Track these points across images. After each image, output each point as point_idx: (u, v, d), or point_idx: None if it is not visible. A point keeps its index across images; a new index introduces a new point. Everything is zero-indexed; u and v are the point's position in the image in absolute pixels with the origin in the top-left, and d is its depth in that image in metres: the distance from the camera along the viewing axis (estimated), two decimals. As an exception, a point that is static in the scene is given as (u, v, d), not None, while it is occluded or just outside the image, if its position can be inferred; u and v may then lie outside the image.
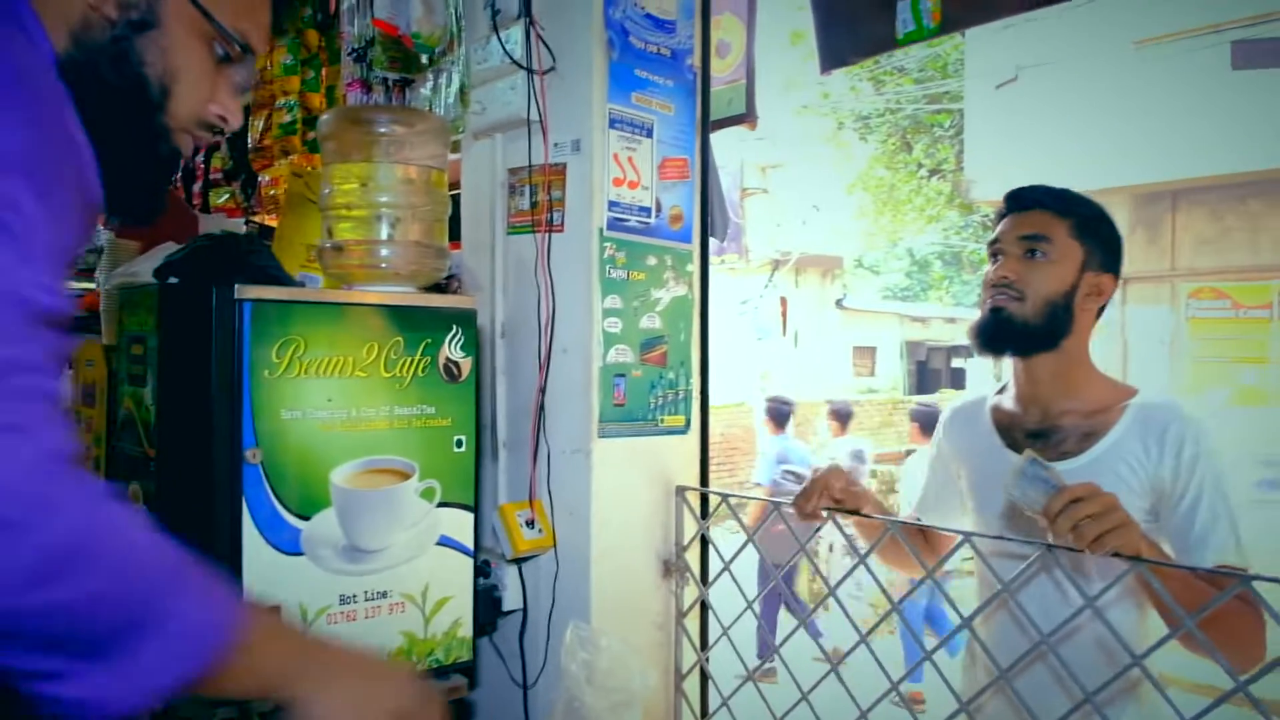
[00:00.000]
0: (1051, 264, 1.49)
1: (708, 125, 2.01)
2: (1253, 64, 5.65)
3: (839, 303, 18.40)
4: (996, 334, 1.51)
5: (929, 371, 21.61)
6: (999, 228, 1.58)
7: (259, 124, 2.74)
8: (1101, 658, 1.38)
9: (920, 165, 12.75)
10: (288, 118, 2.63)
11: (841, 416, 6.37)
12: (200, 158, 3.16)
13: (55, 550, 0.65)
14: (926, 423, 5.85)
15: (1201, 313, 7.27)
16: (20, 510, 0.64)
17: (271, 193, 2.82)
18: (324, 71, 2.67)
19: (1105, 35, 6.80)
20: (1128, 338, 7.31)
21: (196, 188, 3.13)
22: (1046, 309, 1.48)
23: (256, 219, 2.90)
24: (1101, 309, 1.56)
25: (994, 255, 1.57)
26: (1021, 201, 1.56)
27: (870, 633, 1.55)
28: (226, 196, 3.09)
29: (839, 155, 14.27)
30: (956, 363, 21.62)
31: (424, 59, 2.01)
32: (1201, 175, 6.86)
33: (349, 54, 2.33)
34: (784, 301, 8.50)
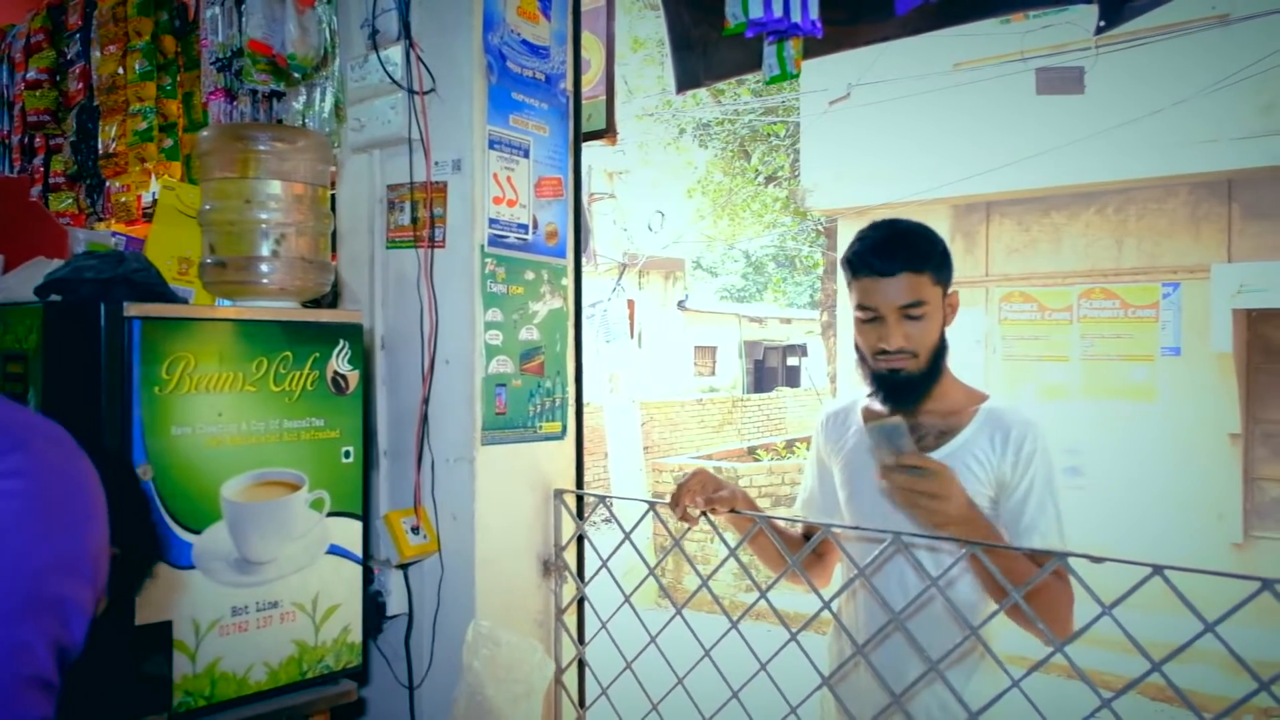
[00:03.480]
0: (930, 318, 1.59)
1: (580, 146, 2.12)
2: (1053, 89, 6.22)
3: (681, 304, 18.86)
4: (902, 394, 1.63)
5: (766, 370, 22.39)
6: (866, 291, 1.60)
7: (111, 129, 2.65)
8: (955, 630, 1.55)
9: (757, 173, 13.21)
10: (143, 124, 2.56)
11: None
12: (39, 160, 3.02)
13: None
14: None
15: (1012, 315, 7.91)
16: None
17: (123, 200, 2.73)
18: (180, 77, 2.62)
19: (929, 57, 7.31)
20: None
21: (35, 192, 2.99)
22: (933, 355, 1.62)
23: (104, 225, 2.80)
24: None
25: (869, 318, 1.61)
26: (885, 268, 1.57)
27: (740, 619, 1.70)
28: (69, 201, 2.97)
29: (679, 160, 14.61)
30: (791, 361, 22.52)
31: (296, 75, 2.03)
32: (1011, 189, 7.48)
33: (212, 63, 2.31)
34: (632, 304, 8.67)
